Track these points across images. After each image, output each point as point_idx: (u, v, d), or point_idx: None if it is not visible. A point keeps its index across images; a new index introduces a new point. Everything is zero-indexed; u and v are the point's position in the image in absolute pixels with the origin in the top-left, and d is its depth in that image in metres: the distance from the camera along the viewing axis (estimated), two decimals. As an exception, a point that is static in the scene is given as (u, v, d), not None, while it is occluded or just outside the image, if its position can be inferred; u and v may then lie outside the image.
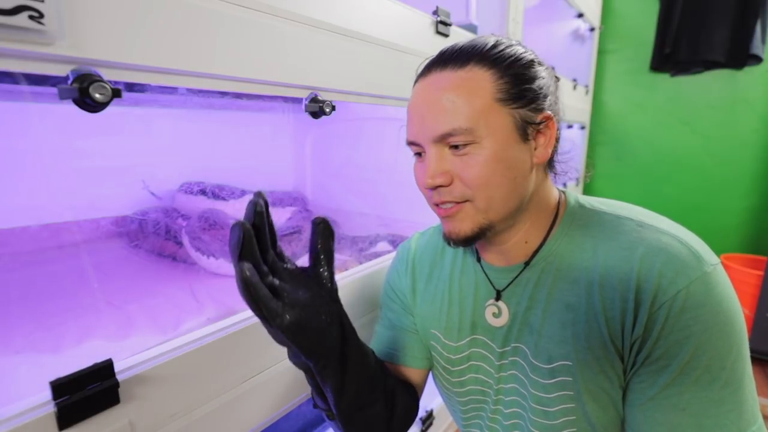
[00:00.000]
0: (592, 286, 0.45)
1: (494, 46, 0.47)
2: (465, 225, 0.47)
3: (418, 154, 0.50)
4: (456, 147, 0.46)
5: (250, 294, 0.33)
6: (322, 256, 0.41)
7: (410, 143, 0.50)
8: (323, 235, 0.41)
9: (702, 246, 0.44)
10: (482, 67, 0.45)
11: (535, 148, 0.47)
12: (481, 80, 0.45)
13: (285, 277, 0.38)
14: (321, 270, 0.41)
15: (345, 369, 0.43)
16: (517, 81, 0.46)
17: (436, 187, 0.47)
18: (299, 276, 0.40)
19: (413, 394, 0.60)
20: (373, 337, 0.67)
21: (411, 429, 0.63)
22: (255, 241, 0.35)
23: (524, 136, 0.46)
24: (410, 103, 0.50)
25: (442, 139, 0.46)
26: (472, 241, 0.48)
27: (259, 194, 0.38)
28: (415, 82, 0.50)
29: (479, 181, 0.45)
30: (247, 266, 0.33)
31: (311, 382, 0.46)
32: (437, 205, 0.49)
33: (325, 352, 0.41)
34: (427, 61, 0.50)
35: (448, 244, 0.50)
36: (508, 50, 0.47)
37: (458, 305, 0.57)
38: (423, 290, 0.61)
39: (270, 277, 0.37)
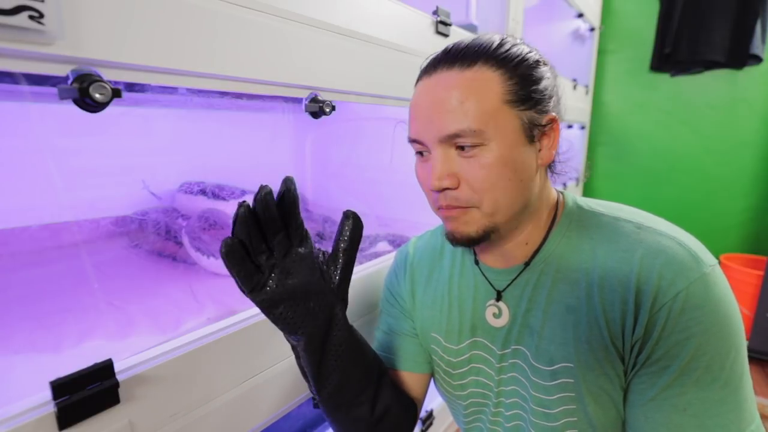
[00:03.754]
0: (591, 288, 0.45)
1: (500, 45, 0.46)
2: (470, 227, 0.47)
3: (420, 153, 0.49)
4: (462, 148, 0.45)
5: (226, 260, 0.39)
6: (340, 254, 0.46)
7: (413, 141, 0.48)
8: (352, 233, 0.46)
9: (700, 247, 0.44)
10: (490, 67, 0.44)
11: (540, 150, 0.47)
12: (490, 81, 0.44)
13: (291, 258, 0.43)
14: (331, 264, 0.46)
15: (323, 359, 0.45)
16: (525, 83, 0.45)
17: (442, 190, 0.46)
18: (306, 260, 0.43)
19: (409, 414, 0.58)
20: (373, 343, 0.66)
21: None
22: (250, 221, 0.39)
23: (530, 139, 0.46)
24: (414, 101, 0.48)
25: (449, 139, 0.45)
26: (476, 243, 0.48)
27: (286, 181, 0.42)
28: (419, 79, 0.49)
29: (486, 185, 0.44)
30: (228, 239, 0.39)
31: (297, 362, 0.48)
32: (440, 207, 0.48)
33: (304, 334, 0.43)
34: (432, 59, 0.48)
35: (451, 243, 0.50)
36: (514, 49, 0.46)
37: (458, 308, 0.57)
38: (422, 294, 0.61)
39: (264, 256, 0.41)
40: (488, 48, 0.45)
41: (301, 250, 0.43)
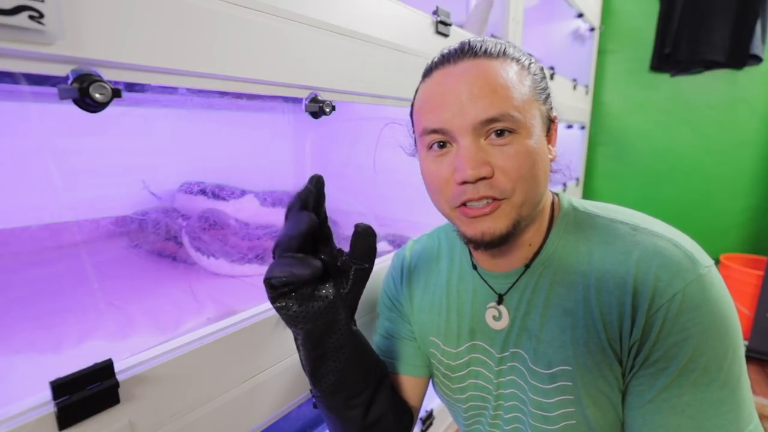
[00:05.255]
0: (588, 290, 0.45)
1: (510, 45, 0.48)
2: (501, 222, 0.44)
3: (439, 146, 0.46)
4: (497, 135, 0.43)
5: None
6: (352, 266, 0.45)
7: (434, 132, 0.45)
8: (361, 245, 0.45)
9: (696, 248, 0.44)
10: (512, 60, 0.46)
11: (548, 144, 0.49)
12: (519, 72, 0.45)
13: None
14: (345, 272, 0.45)
15: (321, 359, 0.45)
16: (539, 79, 0.47)
17: (477, 180, 0.43)
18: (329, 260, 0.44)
19: (404, 422, 0.58)
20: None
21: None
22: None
23: (546, 133, 0.47)
24: (435, 90, 0.46)
25: (485, 125, 0.42)
26: (505, 241, 0.45)
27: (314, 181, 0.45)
28: (433, 69, 0.47)
29: (520, 173, 0.43)
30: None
31: (298, 354, 0.48)
32: (465, 204, 0.44)
33: (303, 329, 0.43)
34: (448, 51, 0.47)
35: (477, 247, 0.47)
36: (517, 51, 0.48)
37: (456, 312, 0.57)
38: (420, 298, 0.61)
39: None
40: (505, 45, 0.47)
41: (322, 250, 0.44)
